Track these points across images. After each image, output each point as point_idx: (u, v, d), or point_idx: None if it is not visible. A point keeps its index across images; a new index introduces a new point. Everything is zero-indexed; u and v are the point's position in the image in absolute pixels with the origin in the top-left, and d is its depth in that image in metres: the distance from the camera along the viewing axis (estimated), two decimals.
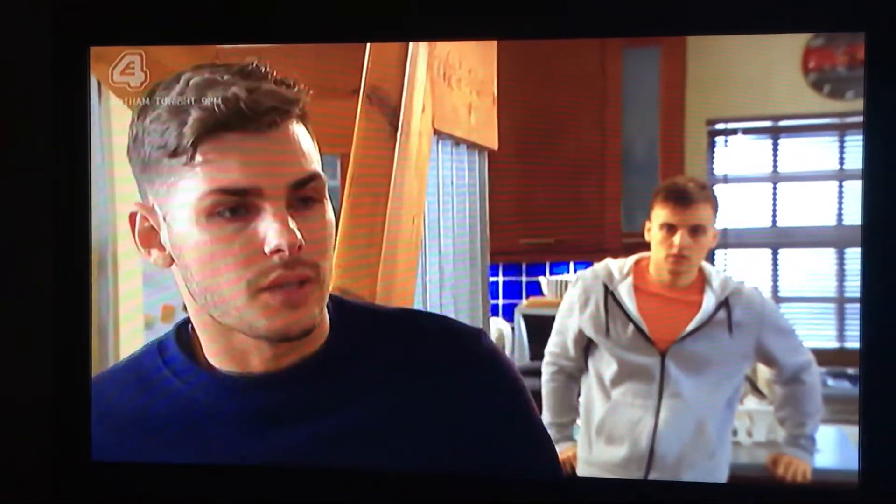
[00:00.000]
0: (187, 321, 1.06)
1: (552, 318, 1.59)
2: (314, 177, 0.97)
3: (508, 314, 1.74)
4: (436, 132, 1.49)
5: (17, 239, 1.37)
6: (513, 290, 1.76)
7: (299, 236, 0.94)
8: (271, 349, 1.01)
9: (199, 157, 0.93)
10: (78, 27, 1.29)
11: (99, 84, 1.31)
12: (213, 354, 1.03)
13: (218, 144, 0.93)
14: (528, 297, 1.76)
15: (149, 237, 1.01)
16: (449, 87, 1.49)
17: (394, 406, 1.03)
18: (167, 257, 1.00)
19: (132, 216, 1.01)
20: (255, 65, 0.97)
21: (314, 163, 0.98)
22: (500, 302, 1.74)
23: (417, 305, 1.46)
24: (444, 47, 1.47)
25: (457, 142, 1.57)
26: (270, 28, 1.27)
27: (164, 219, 0.98)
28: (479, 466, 1.06)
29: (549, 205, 1.68)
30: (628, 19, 1.24)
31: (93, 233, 1.34)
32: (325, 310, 1.02)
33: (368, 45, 1.35)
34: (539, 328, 1.65)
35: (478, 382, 1.05)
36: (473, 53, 1.53)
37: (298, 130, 0.97)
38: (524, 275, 1.77)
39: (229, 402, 1.02)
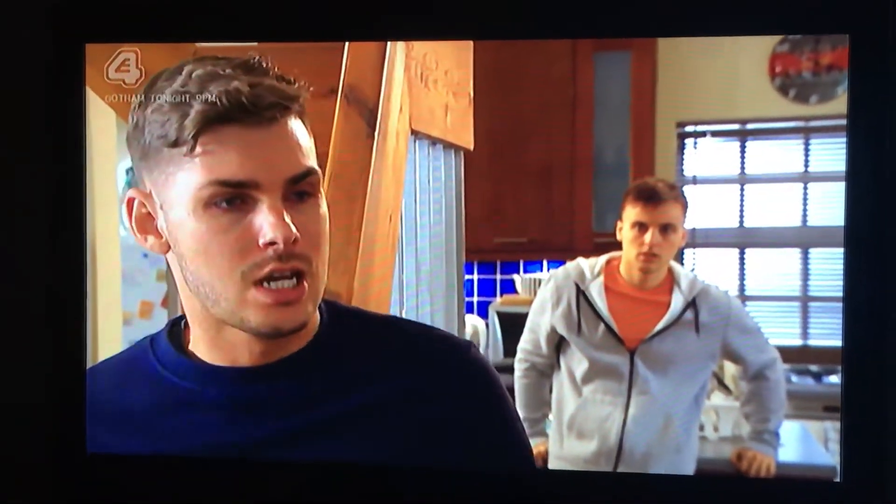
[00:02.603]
0: (180, 318, 1.07)
1: (525, 316, 1.61)
2: (310, 171, 0.97)
3: (483, 311, 1.76)
4: (413, 132, 1.50)
5: (12, 236, 1.37)
6: (487, 288, 1.78)
7: (294, 230, 0.94)
8: (260, 344, 1.01)
9: (198, 149, 0.94)
10: (73, 24, 1.28)
11: None
12: (203, 347, 1.03)
13: (218, 137, 0.94)
14: (502, 294, 1.78)
15: (145, 223, 1.02)
16: (426, 88, 1.51)
17: (374, 406, 1.04)
18: (164, 244, 1.01)
19: (130, 201, 1.01)
20: (257, 59, 0.98)
21: (310, 158, 0.99)
22: (475, 299, 1.76)
23: (394, 303, 1.47)
24: (422, 49, 1.48)
25: (433, 142, 1.58)
26: (261, 27, 1.27)
27: (162, 206, 0.99)
28: (452, 465, 1.07)
29: (523, 204, 1.70)
30: (609, 20, 1.24)
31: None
32: (318, 308, 1.03)
33: (346, 45, 1.36)
34: (512, 325, 1.67)
35: (461, 391, 1.06)
36: (450, 55, 1.55)
37: (296, 126, 0.98)
38: (498, 273, 1.79)
39: (213, 390, 1.02)
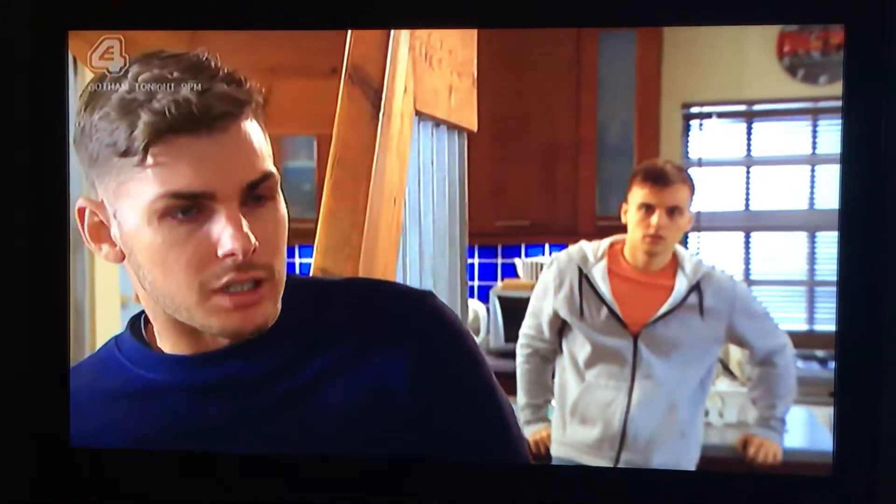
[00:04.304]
0: (140, 315, 1.06)
1: (527, 300, 1.60)
2: (267, 176, 0.95)
3: (484, 296, 1.75)
4: (417, 113, 1.49)
5: None
6: (488, 272, 1.77)
7: (253, 240, 0.93)
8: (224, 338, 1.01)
9: (150, 160, 0.91)
10: (56, 11, 1.26)
11: (75, 60, 1.29)
12: (167, 341, 1.03)
13: (169, 147, 0.91)
14: (503, 278, 1.77)
15: (98, 232, 0.99)
16: (430, 68, 1.49)
17: (338, 366, 1.03)
18: (118, 253, 0.99)
19: (81, 211, 0.99)
20: (205, 58, 0.94)
21: (267, 160, 0.96)
22: (476, 283, 1.75)
23: None
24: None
25: (437, 123, 1.56)
26: (250, 13, 1.24)
27: (115, 216, 0.96)
28: (426, 422, 1.05)
29: (525, 187, 1.69)
30: (605, 9, 1.24)
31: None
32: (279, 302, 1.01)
33: None
34: (514, 310, 1.66)
35: (423, 341, 1.04)
36: (454, 34, 1.53)
37: (251, 128, 0.95)
38: (499, 257, 1.78)
39: (181, 376, 1.02)
